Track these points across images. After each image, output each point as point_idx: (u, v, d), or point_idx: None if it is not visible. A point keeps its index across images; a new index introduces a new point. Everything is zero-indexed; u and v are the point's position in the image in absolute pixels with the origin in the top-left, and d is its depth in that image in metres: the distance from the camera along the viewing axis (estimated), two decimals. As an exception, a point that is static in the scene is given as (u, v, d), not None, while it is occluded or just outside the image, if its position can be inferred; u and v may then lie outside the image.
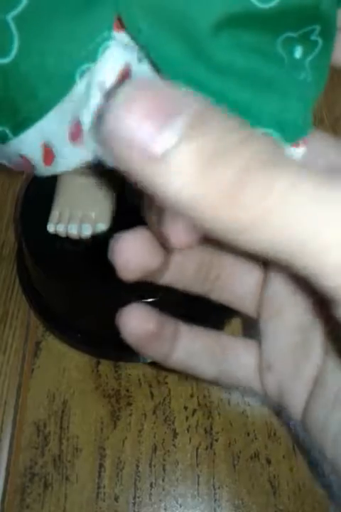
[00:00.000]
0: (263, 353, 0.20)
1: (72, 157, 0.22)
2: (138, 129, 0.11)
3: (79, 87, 0.19)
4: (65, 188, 0.36)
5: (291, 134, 0.22)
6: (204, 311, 0.39)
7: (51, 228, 0.36)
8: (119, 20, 0.18)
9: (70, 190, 0.36)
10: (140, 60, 0.19)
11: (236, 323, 0.39)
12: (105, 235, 0.36)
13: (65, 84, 0.19)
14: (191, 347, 0.20)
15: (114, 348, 0.38)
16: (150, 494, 0.33)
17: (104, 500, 0.32)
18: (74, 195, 0.36)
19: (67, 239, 0.36)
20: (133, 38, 0.18)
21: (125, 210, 0.37)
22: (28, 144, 0.22)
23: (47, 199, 0.37)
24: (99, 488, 0.33)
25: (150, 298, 0.33)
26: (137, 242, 0.18)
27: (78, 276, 0.35)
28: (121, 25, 0.18)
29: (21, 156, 0.23)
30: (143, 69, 0.19)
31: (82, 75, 0.18)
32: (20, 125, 0.20)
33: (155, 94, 0.12)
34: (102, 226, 0.35)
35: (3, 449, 0.34)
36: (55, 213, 0.36)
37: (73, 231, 0.35)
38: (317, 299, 0.16)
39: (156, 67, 0.19)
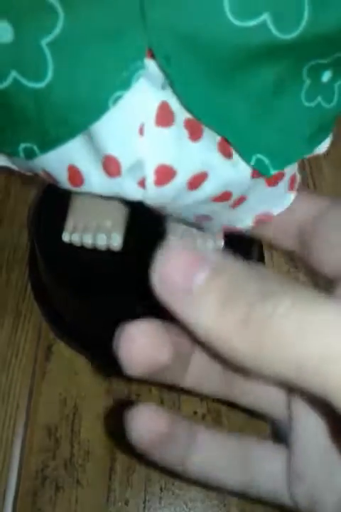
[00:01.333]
0: (293, 460, 0.18)
1: (101, 187, 0.22)
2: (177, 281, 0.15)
3: (113, 115, 0.19)
4: (80, 197, 0.37)
5: (279, 163, 0.23)
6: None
7: (66, 237, 0.36)
8: (150, 49, 0.18)
9: (85, 199, 0.36)
10: (163, 88, 0.19)
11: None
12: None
13: (97, 111, 0.19)
14: (209, 449, 0.19)
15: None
16: (161, 498, 0.33)
17: (114, 504, 0.33)
18: (90, 204, 0.36)
19: (82, 248, 0.36)
20: (161, 66, 0.18)
21: (140, 222, 0.38)
22: (53, 163, 0.22)
23: (61, 206, 0.37)
24: (109, 491, 0.33)
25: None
26: (142, 335, 0.17)
27: (91, 286, 0.35)
28: (152, 55, 0.18)
29: (45, 172, 0.23)
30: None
31: (115, 102, 0.19)
32: (49, 144, 0.20)
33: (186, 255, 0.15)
34: (117, 236, 0.36)
35: (15, 451, 0.34)
36: (70, 222, 0.36)
37: (88, 241, 0.36)
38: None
39: (178, 95, 0.19)
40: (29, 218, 0.46)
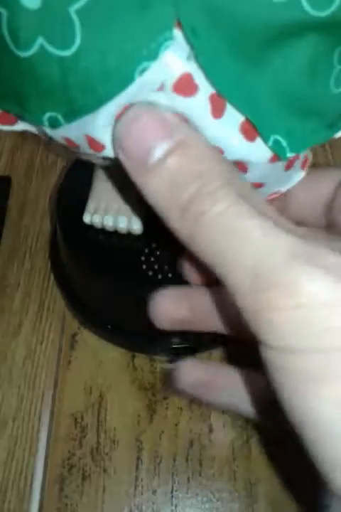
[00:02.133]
0: None
1: None
2: (137, 145, 0.18)
3: (135, 87, 0.19)
4: (102, 180, 0.36)
5: (297, 146, 0.22)
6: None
7: (87, 218, 0.36)
8: (179, 21, 0.17)
9: (108, 182, 0.36)
10: (188, 59, 0.19)
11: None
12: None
13: (123, 81, 0.18)
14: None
15: (148, 342, 0.38)
16: (188, 488, 0.33)
17: (142, 493, 0.33)
18: (112, 187, 0.36)
19: (103, 230, 0.36)
20: (187, 37, 0.18)
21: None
22: (73, 132, 0.22)
23: (83, 190, 0.37)
24: (136, 480, 0.33)
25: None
26: (164, 298, 0.25)
27: (112, 268, 0.35)
28: (180, 26, 0.18)
29: (65, 139, 0.23)
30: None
31: (141, 73, 0.18)
32: (75, 113, 0.20)
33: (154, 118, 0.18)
34: (138, 219, 0.36)
35: (42, 439, 0.34)
36: (91, 204, 0.36)
37: (109, 223, 0.35)
38: None
39: (202, 68, 0.19)
40: (51, 204, 0.46)
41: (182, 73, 0.19)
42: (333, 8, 0.17)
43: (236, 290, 0.16)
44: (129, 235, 0.36)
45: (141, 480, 0.33)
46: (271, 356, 0.16)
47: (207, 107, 0.20)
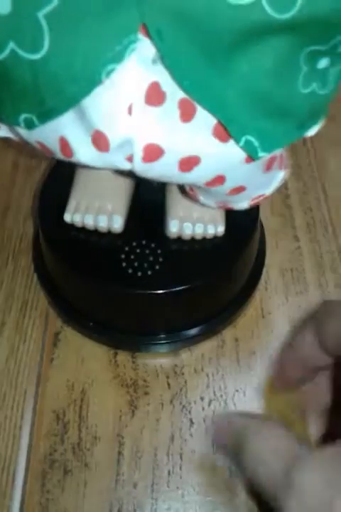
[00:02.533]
0: None
1: (92, 160, 0.23)
2: None
3: (103, 90, 0.20)
4: (83, 179, 0.37)
5: (269, 146, 0.23)
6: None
7: (68, 218, 0.36)
8: (144, 24, 0.18)
9: (88, 181, 0.36)
10: (154, 62, 0.20)
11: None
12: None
13: (90, 83, 0.19)
14: None
15: (130, 338, 0.38)
16: (168, 482, 0.33)
17: (123, 487, 0.33)
18: (92, 186, 0.36)
19: (83, 229, 0.36)
20: (153, 40, 0.19)
21: (140, 204, 0.38)
22: (47, 134, 0.22)
23: (65, 191, 0.37)
24: (117, 475, 0.33)
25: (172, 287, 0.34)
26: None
27: (93, 267, 0.35)
28: (145, 30, 0.18)
29: (39, 143, 0.23)
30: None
31: (107, 75, 0.19)
32: (47, 114, 0.21)
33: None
34: (118, 218, 0.36)
35: (24, 436, 0.35)
36: (72, 203, 0.37)
37: (89, 221, 0.36)
38: None
39: (169, 71, 0.20)
40: (34, 206, 0.47)
41: (151, 83, 0.20)
42: (294, 10, 0.18)
43: None
44: (109, 233, 0.36)
45: (122, 474, 0.33)
46: None
47: (176, 112, 0.21)
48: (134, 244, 0.36)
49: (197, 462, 0.34)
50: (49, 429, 0.35)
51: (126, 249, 0.36)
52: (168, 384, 0.37)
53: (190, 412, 0.36)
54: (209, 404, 0.36)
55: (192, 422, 0.36)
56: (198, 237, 0.36)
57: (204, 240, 0.36)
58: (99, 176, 0.36)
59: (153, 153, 0.22)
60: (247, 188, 0.26)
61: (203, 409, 0.36)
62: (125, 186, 0.37)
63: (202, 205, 0.33)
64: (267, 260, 0.42)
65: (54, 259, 0.37)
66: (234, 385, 0.37)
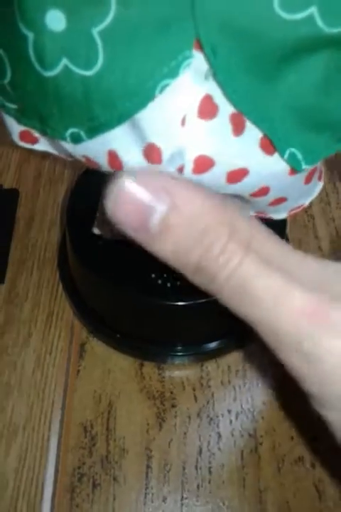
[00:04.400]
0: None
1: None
2: (133, 220, 0.19)
3: (157, 104, 0.19)
4: None
5: (311, 158, 0.23)
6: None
7: (96, 230, 0.36)
8: (198, 40, 0.18)
9: None
10: (206, 78, 0.20)
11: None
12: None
13: (144, 98, 0.19)
14: None
15: (157, 349, 0.38)
16: (198, 496, 0.33)
17: (152, 501, 0.33)
18: None
19: (111, 240, 0.36)
20: (206, 55, 0.19)
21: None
22: (94, 148, 0.22)
23: (92, 201, 0.37)
24: (146, 488, 0.33)
25: (201, 299, 0.34)
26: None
27: (122, 278, 0.35)
28: (199, 44, 0.18)
29: (84, 157, 0.23)
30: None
31: (161, 91, 0.19)
32: (97, 129, 0.20)
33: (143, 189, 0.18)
34: None
35: (52, 448, 0.35)
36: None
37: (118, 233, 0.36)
38: None
39: (220, 85, 0.20)
40: (59, 215, 0.47)
41: (203, 96, 0.20)
42: None
43: (267, 343, 0.18)
44: (138, 244, 0.36)
45: (151, 488, 0.33)
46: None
47: (229, 127, 0.21)
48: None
49: (226, 476, 0.34)
50: (77, 442, 0.35)
51: (155, 259, 0.36)
52: (195, 397, 0.37)
53: (217, 425, 0.36)
54: (236, 418, 0.36)
55: (220, 436, 0.35)
56: None
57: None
58: None
59: (204, 164, 0.22)
60: (288, 199, 0.26)
61: (231, 422, 0.36)
62: None
63: None
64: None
65: (82, 270, 0.37)
66: (261, 398, 0.37)
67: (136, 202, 0.18)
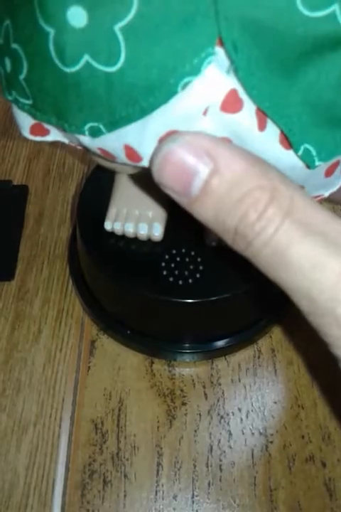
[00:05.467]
0: None
1: None
2: (176, 181, 0.19)
3: (179, 99, 0.19)
4: (123, 187, 0.37)
5: (325, 155, 0.23)
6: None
7: (108, 226, 0.36)
8: (220, 36, 0.18)
9: (128, 188, 0.36)
10: (228, 72, 0.19)
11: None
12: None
13: (167, 94, 0.19)
14: None
15: (168, 346, 0.38)
16: (209, 493, 0.33)
17: (163, 499, 0.33)
18: (132, 194, 0.36)
19: (123, 237, 0.36)
20: (227, 52, 0.18)
21: (178, 212, 0.38)
22: (111, 142, 0.22)
23: (104, 197, 0.37)
24: (157, 486, 0.33)
25: (211, 297, 0.34)
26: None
27: (133, 275, 0.35)
28: (221, 41, 0.18)
29: (101, 150, 0.23)
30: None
31: (183, 87, 0.19)
32: (117, 123, 0.20)
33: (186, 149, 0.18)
34: (158, 226, 0.36)
35: (63, 445, 0.35)
36: (112, 211, 0.36)
37: (130, 230, 0.36)
38: None
39: (241, 81, 0.19)
40: (69, 211, 0.47)
41: (228, 90, 0.20)
42: None
43: (300, 308, 0.18)
44: (149, 241, 0.36)
45: (162, 485, 0.33)
46: None
47: (254, 121, 0.21)
48: (174, 252, 0.36)
49: (237, 474, 0.34)
50: (87, 439, 0.35)
51: (166, 257, 0.36)
52: (205, 394, 0.37)
53: (228, 423, 0.36)
54: (247, 416, 0.36)
55: (230, 434, 0.35)
56: None
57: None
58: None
59: None
60: (306, 187, 0.26)
61: (241, 420, 0.36)
62: (165, 193, 0.37)
63: None
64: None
65: (93, 267, 0.37)
66: (271, 396, 0.37)
67: (179, 165, 0.18)
